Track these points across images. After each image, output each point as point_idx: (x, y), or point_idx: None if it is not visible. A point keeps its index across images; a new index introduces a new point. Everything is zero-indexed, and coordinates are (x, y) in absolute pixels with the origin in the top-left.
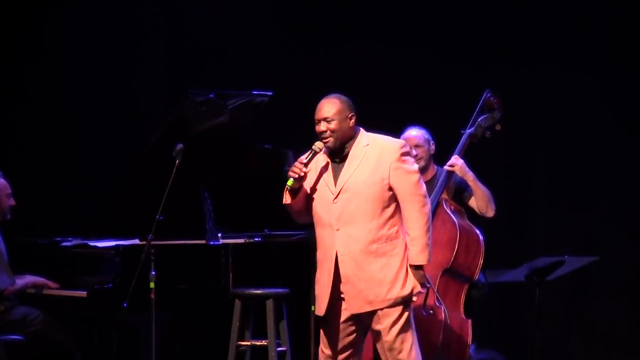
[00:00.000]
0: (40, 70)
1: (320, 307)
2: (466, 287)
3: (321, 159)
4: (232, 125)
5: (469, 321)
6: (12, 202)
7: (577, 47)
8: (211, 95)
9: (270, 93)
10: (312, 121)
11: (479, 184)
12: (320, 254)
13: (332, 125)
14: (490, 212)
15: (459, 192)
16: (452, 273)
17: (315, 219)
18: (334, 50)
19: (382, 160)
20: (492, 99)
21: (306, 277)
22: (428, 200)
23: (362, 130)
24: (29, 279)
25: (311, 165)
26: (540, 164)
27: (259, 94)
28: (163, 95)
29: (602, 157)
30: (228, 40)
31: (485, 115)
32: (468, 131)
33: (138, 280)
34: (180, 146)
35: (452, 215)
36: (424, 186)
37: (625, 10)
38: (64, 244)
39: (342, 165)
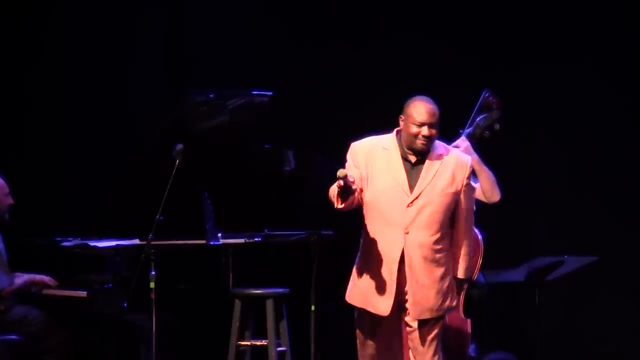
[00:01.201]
0: (41, 70)
1: (384, 305)
2: (465, 286)
3: (395, 156)
4: (232, 125)
5: (469, 321)
6: (10, 200)
7: (577, 46)
8: (211, 95)
9: (270, 93)
10: (311, 121)
11: (484, 167)
12: (377, 250)
13: (434, 131)
14: (497, 196)
15: None
16: None
17: (378, 215)
18: (334, 51)
19: (457, 174)
20: (490, 98)
21: (306, 277)
22: None
23: None
24: (28, 276)
25: (383, 163)
26: (540, 163)
27: (258, 94)
28: (163, 95)
29: (602, 157)
30: (228, 40)
31: (483, 115)
32: (466, 131)
33: (138, 280)
34: (180, 146)
35: None
36: None
37: (626, 7)
38: (64, 244)
39: (419, 169)
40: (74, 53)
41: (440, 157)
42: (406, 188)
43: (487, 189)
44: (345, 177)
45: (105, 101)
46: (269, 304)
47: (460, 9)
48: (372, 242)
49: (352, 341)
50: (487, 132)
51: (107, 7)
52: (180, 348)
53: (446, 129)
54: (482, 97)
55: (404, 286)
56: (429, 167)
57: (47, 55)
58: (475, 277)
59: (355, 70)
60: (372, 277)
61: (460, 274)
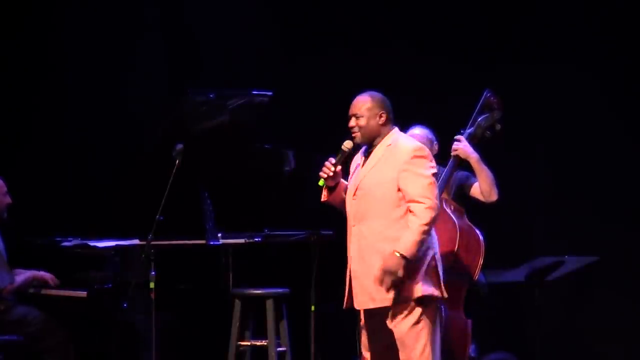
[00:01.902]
0: (41, 69)
1: (345, 300)
2: (466, 287)
3: (359, 155)
4: (232, 125)
5: (469, 321)
6: (8, 199)
7: (578, 45)
8: (211, 95)
9: (270, 93)
10: (311, 121)
11: (484, 166)
12: (346, 247)
13: (361, 121)
14: (494, 196)
15: (460, 187)
16: (452, 273)
17: (344, 210)
18: (334, 51)
19: (396, 161)
20: (491, 98)
21: (306, 277)
22: (436, 205)
23: (395, 130)
24: (30, 273)
25: (353, 166)
26: (540, 163)
27: (258, 94)
28: (163, 95)
29: (602, 157)
30: (228, 40)
31: (485, 115)
32: (468, 131)
33: (138, 280)
34: (180, 146)
35: (451, 215)
36: (435, 191)
37: (625, 5)
38: (64, 244)
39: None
40: (74, 53)
41: (386, 147)
42: (356, 182)
43: (485, 189)
44: (350, 149)
45: (105, 101)
46: (269, 304)
47: (460, 9)
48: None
49: (352, 341)
50: (489, 132)
51: (107, 7)
52: (180, 348)
53: (447, 129)
54: (483, 97)
55: (355, 278)
56: (372, 159)
57: (47, 55)
58: (475, 277)
59: (356, 70)
60: (346, 275)
61: (398, 246)
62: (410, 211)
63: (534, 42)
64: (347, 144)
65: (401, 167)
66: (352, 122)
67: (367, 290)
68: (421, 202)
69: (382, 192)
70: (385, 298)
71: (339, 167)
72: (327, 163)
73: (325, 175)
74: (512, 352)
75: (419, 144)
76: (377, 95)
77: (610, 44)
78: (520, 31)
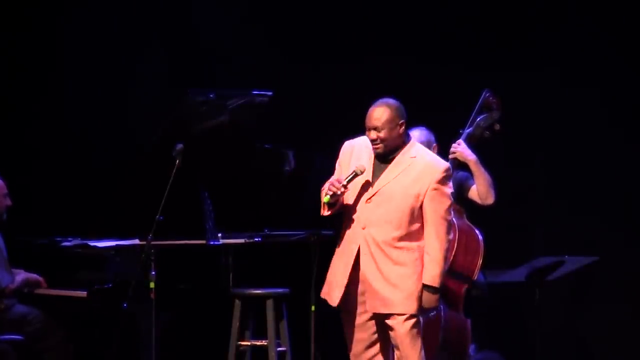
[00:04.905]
0: (41, 70)
1: (334, 296)
2: (466, 287)
3: (365, 155)
4: (232, 125)
5: (469, 321)
6: (8, 202)
7: (578, 46)
8: (211, 95)
9: (270, 93)
10: (311, 121)
11: (482, 169)
12: (341, 245)
13: (382, 134)
14: (490, 199)
15: (459, 187)
16: (452, 273)
17: (346, 211)
18: (334, 51)
19: (423, 176)
20: (491, 98)
21: (306, 277)
22: (453, 230)
23: (413, 140)
24: (25, 275)
25: (361, 161)
26: (540, 163)
27: (259, 94)
28: (163, 96)
29: (602, 157)
30: (229, 40)
31: (484, 115)
32: (467, 131)
33: (138, 280)
34: (180, 146)
35: None
36: (452, 214)
37: (626, 12)
38: (64, 244)
39: (384, 168)
40: (74, 53)
41: (411, 158)
42: (369, 185)
43: (482, 191)
44: (363, 172)
45: (105, 101)
46: (269, 304)
47: (460, 9)
48: (340, 238)
49: None
50: (488, 133)
51: (107, 7)
52: (180, 348)
53: (446, 129)
54: (482, 97)
55: (363, 281)
56: (395, 166)
57: (47, 56)
58: (475, 277)
59: (356, 70)
60: (333, 271)
61: (425, 279)
62: (429, 232)
63: (534, 43)
64: (361, 167)
65: (431, 186)
66: (373, 135)
67: (380, 295)
68: (442, 226)
69: (404, 204)
70: (399, 305)
71: (346, 189)
72: (334, 182)
73: (332, 193)
74: (497, 351)
75: (447, 163)
76: (393, 103)
77: (611, 46)
78: (521, 31)
